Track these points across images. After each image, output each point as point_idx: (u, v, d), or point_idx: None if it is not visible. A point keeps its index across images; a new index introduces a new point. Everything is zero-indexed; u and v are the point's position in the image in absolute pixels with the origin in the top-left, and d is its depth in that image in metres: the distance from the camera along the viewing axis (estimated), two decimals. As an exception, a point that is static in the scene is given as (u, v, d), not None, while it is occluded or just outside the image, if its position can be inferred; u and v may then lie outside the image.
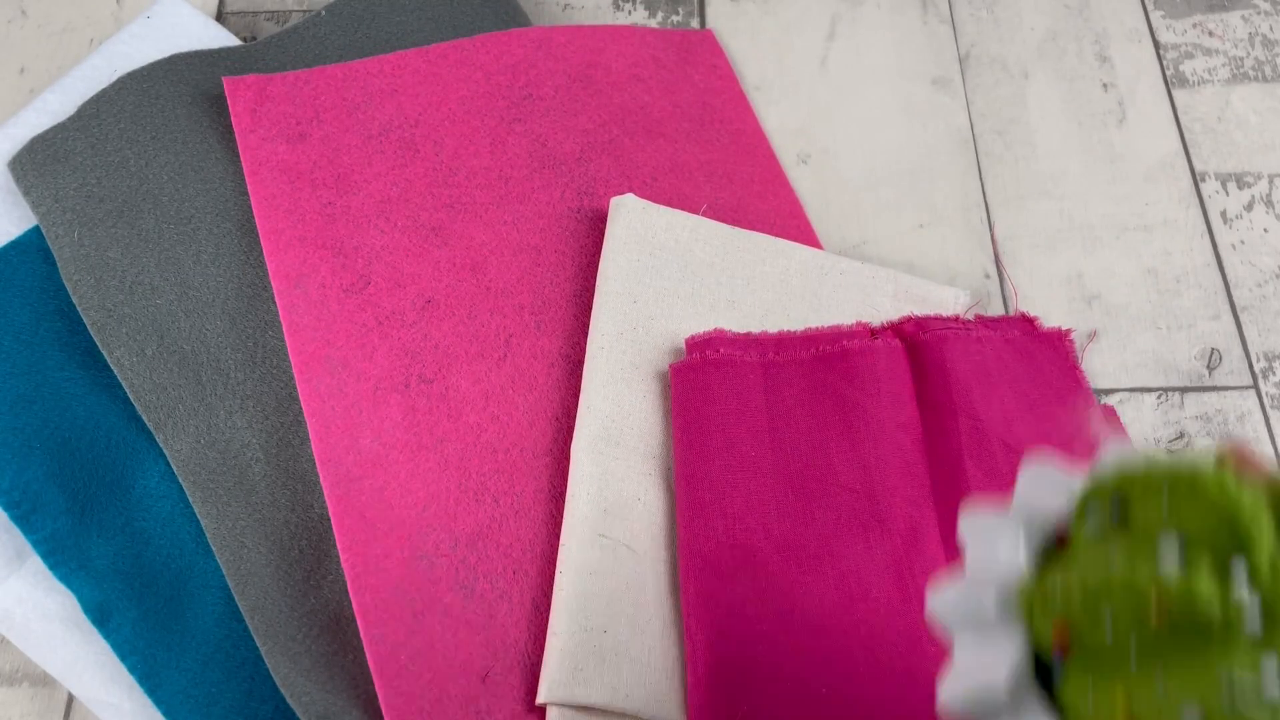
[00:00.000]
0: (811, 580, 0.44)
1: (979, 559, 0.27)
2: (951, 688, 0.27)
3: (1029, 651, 0.26)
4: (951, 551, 0.45)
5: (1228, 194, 0.58)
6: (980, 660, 0.27)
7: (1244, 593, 0.22)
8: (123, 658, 0.43)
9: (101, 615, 0.43)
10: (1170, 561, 0.23)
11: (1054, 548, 0.27)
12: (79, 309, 0.48)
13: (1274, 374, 0.53)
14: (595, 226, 0.53)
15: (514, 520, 0.45)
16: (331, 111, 0.54)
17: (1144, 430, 0.51)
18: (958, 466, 0.46)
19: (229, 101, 0.53)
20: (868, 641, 0.43)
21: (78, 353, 0.48)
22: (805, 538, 0.44)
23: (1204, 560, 0.23)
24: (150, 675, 0.43)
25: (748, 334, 0.48)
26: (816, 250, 0.53)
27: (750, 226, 0.54)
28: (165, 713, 0.42)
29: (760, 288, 0.51)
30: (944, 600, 0.28)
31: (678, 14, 0.65)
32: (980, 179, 0.59)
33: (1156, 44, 0.64)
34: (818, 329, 0.50)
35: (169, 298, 0.49)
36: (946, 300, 0.53)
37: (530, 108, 0.57)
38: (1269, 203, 0.58)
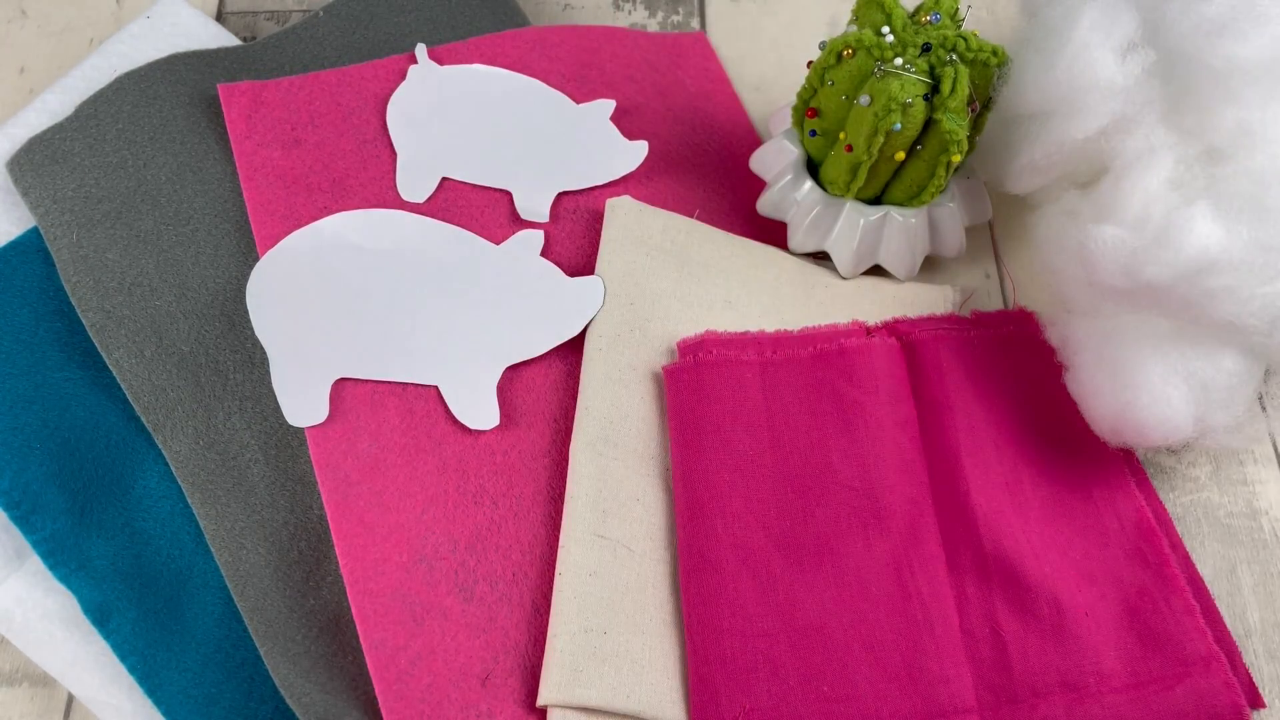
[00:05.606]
0: (811, 578, 0.44)
1: (771, 148, 0.53)
2: (762, 198, 0.53)
3: (803, 156, 0.52)
4: (951, 547, 0.45)
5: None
6: (779, 171, 0.52)
7: (887, 36, 0.46)
8: (123, 658, 0.43)
9: (101, 615, 0.43)
10: (851, 29, 0.47)
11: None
12: (78, 310, 0.48)
13: None
14: (591, 226, 0.53)
15: (513, 522, 0.45)
16: (326, 117, 0.54)
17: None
18: (955, 463, 0.46)
19: (224, 108, 0.53)
20: (867, 639, 0.43)
21: (77, 353, 0.48)
22: (804, 536, 0.44)
23: (867, 26, 0.47)
24: (150, 675, 0.43)
25: (744, 333, 0.48)
26: (803, 262, 0.53)
27: (742, 230, 0.54)
28: (165, 713, 0.42)
29: (756, 290, 0.51)
30: (759, 157, 0.54)
31: (678, 14, 0.64)
32: (980, 178, 0.59)
33: (1157, 43, 0.63)
34: (814, 328, 0.50)
35: (167, 299, 0.49)
36: (935, 299, 0.53)
37: (527, 107, 0.56)
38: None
